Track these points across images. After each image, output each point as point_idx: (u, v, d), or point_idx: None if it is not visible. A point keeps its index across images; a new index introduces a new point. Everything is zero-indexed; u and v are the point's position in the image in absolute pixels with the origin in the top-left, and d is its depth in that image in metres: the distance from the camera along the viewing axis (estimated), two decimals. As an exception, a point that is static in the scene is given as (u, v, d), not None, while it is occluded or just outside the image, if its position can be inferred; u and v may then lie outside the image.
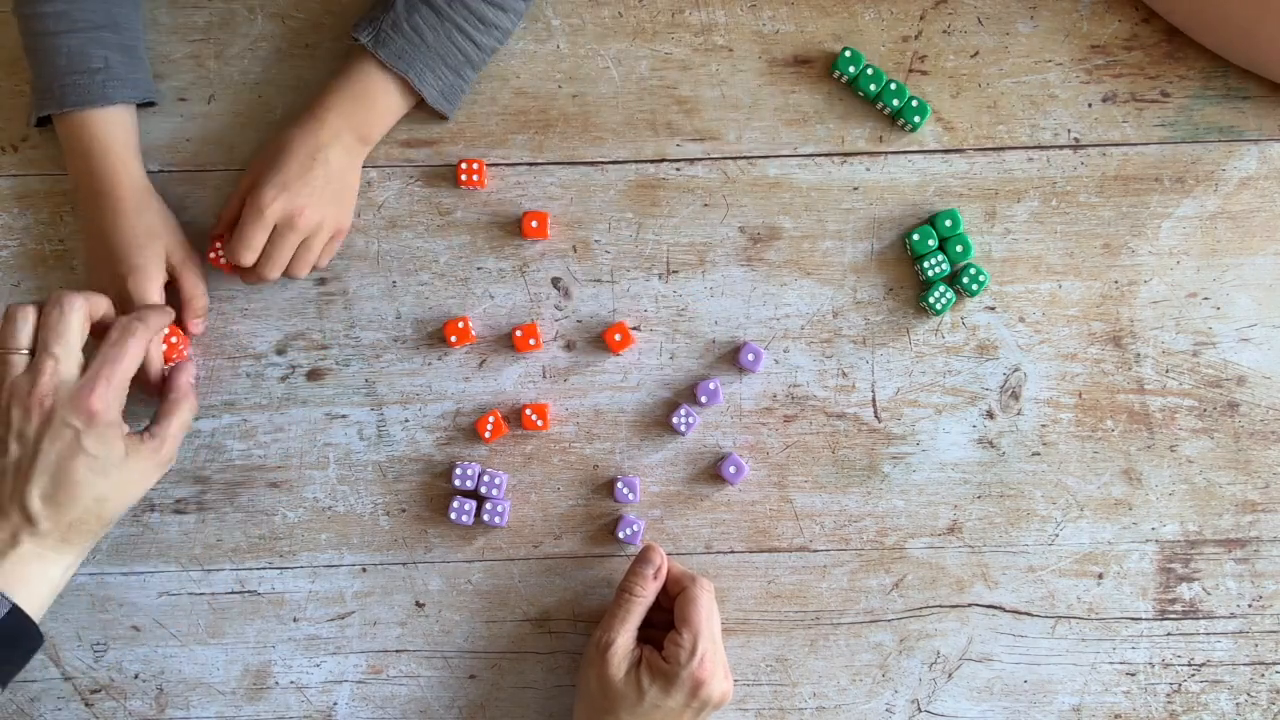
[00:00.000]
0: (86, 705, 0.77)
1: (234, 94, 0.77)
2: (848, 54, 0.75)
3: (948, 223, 0.75)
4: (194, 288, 0.74)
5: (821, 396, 0.77)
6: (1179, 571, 0.77)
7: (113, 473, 0.65)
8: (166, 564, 0.77)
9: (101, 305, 0.68)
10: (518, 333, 0.76)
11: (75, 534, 0.65)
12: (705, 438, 0.77)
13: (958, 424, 0.77)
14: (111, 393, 0.65)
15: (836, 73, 0.76)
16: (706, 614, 0.70)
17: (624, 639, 0.70)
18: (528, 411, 0.76)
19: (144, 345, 0.67)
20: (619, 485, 0.76)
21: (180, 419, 0.70)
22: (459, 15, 0.71)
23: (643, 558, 0.72)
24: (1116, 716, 0.77)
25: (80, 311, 0.66)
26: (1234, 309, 0.77)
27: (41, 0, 0.71)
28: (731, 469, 0.75)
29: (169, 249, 0.73)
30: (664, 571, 0.72)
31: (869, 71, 0.75)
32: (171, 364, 0.74)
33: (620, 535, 0.76)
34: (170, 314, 0.71)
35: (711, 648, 0.70)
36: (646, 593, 0.72)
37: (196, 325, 0.75)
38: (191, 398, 0.71)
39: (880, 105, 0.76)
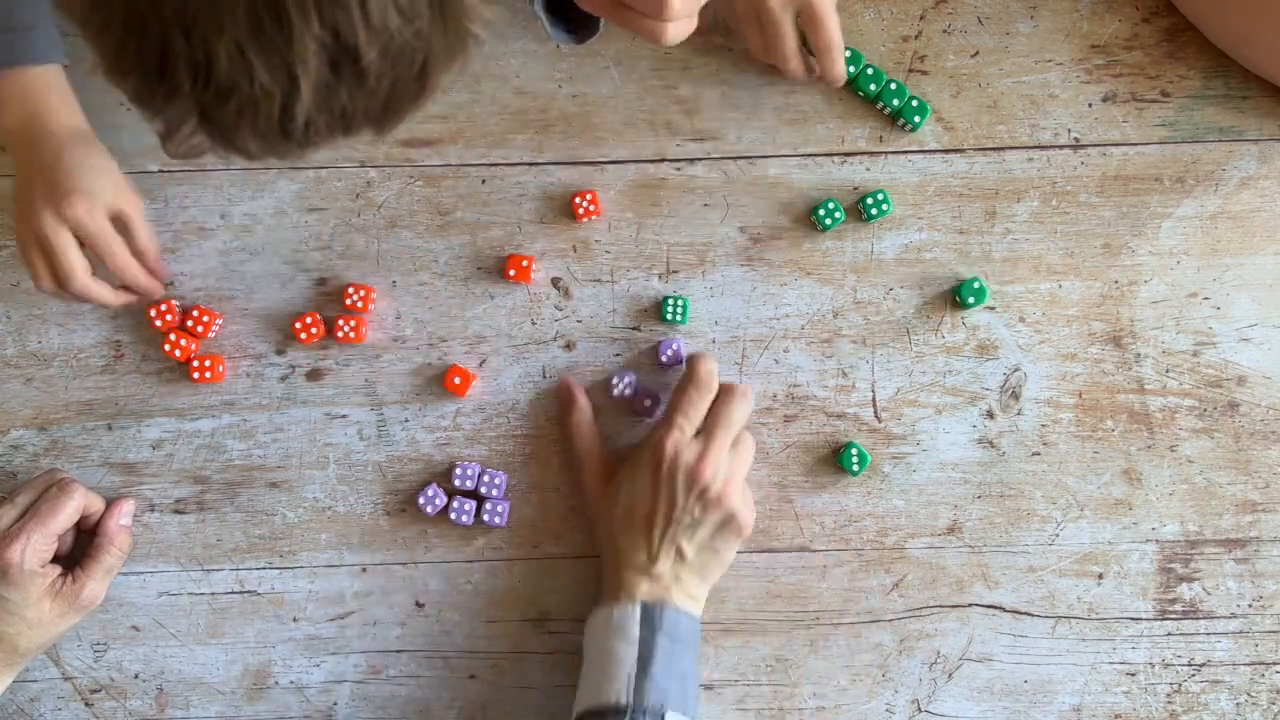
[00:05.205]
0: (86, 705, 0.77)
1: (234, 94, 0.77)
2: (848, 54, 0.75)
3: (851, 69, 0.75)
4: (144, 231, 0.72)
5: (821, 396, 0.77)
6: (1179, 571, 0.77)
7: (26, 613, 0.71)
8: (166, 564, 0.77)
9: (96, 504, 0.75)
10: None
11: None
12: (705, 438, 0.77)
13: (958, 424, 0.77)
14: (31, 547, 0.70)
15: (836, 73, 0.76)
16: (718, 412, 0.72)
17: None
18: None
19: (80, 506, 0.73)
20: (458, 469, 0.76)
21: (103, 565, 0.74)
22: None
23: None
24: (1117, 716, 0.77)
25: (71, 495, 0.73)
26: (1234, 309, 0.77)
27: None
28: (669, 352, 0.75)
29: (115, 185, 0.71)
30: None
31: (869, 71, 0.75)
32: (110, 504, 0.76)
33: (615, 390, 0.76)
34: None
35: (715, 445, 0.71)
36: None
37: (162, 268, 0.74)
38: (120, 540, 0.75)
39: (880, 105, 0.76)
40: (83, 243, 0.70)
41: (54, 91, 0.70)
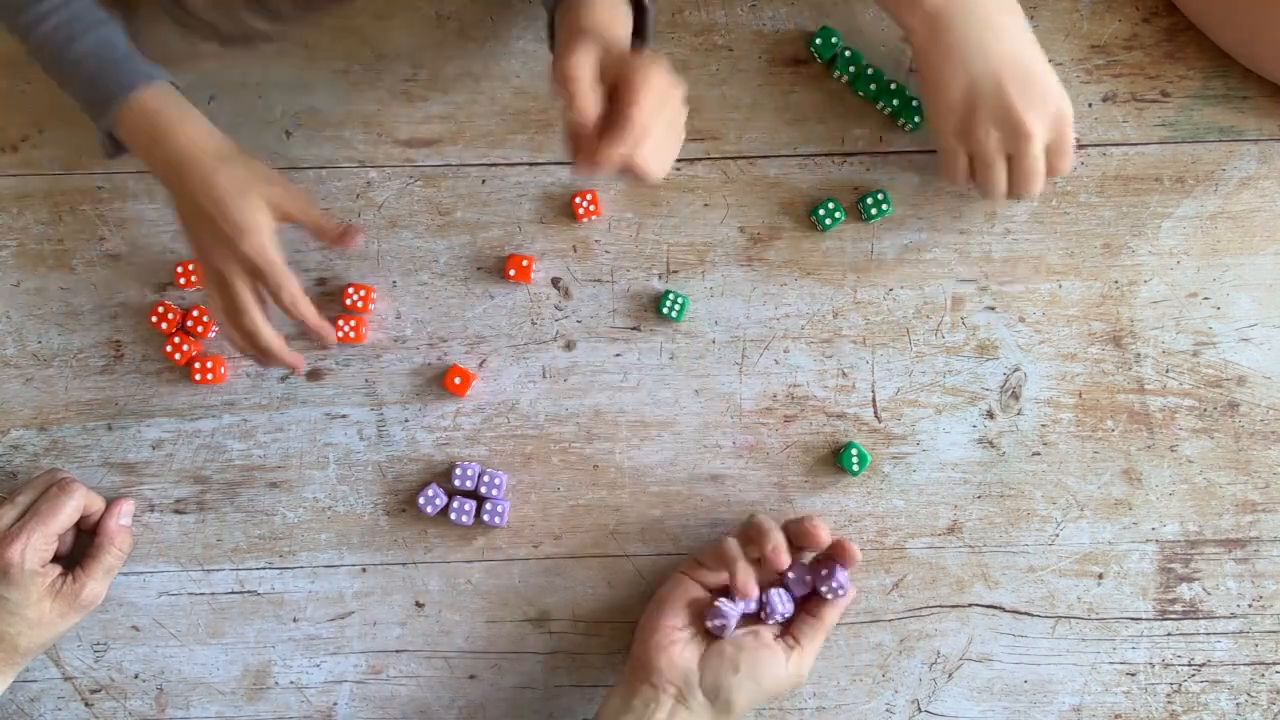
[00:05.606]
0: (86, 705, 0.77)
1: (234, 94, 0.77)
2: (848, 53, 0.75)
3: (832, 39, 0.75)
4: (317, 218, 0.69)
5: (821, 396, 0.77)
6: (1179, 571, 0.77)
7: (27, 613, 0.71)
8: (166, 564, 0.77)
9: (96, 503, 0.75)
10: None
11: None
12: (705, 437, 0.77)
13: (958, 424, 0.77)
14: (31, 547, 0.71)
15: (836, 73, 0.76)
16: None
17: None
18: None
19: (80, 505, 0.73)
20: (458, 469, 0.76)
21: (103, 564, 0.74)
22: None
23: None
24: (1117, 716, 0.77)
25: (72, 496, 0.73)
26: (1234, 309, 0.77)
27: (43, 22, 0.65)
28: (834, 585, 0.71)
29: (269, 197, 0.67)
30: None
31: (869, 71, 0.75)
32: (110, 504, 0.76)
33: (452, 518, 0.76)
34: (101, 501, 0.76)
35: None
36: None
37: (356, 240, 0.70)
38: (120, 540, 0.75)
39: (880, 105, 0.76)
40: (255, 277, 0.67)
41: (169, 108, 0.66)
